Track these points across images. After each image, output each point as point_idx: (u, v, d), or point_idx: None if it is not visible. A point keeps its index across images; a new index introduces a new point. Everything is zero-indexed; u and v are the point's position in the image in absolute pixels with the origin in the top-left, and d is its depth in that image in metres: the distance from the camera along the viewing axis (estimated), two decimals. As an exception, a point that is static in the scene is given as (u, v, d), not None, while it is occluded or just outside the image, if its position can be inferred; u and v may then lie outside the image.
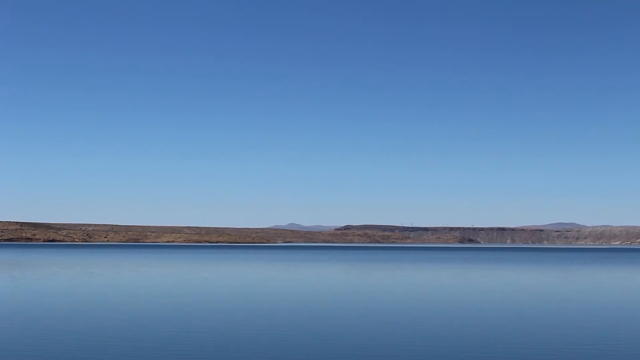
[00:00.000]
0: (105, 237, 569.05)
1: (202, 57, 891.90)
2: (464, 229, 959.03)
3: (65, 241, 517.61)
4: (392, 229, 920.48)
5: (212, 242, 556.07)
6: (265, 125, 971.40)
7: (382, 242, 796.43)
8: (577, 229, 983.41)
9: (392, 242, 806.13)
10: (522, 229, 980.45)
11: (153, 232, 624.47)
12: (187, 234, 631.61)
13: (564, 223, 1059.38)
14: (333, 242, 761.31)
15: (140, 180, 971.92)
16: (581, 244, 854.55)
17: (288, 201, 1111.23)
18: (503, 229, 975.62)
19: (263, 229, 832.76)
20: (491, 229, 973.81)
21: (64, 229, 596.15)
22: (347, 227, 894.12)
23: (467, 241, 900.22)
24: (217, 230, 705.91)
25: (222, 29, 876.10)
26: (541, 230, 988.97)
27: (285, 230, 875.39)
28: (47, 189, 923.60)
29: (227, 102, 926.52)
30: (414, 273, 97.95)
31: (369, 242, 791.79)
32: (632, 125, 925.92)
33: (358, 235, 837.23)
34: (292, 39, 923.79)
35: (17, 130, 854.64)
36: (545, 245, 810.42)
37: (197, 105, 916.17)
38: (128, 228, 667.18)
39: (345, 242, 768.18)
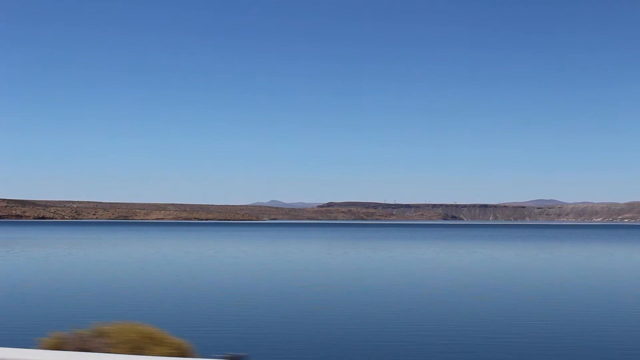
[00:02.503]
0: (93, 215, 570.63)
1: (188, 35, 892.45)
2: (446, 205, 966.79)
3: (55, 218, 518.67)
4: (375, 205, 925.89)
5: (201, 220, 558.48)
6: (247, 103, 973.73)
7: (366, 219, 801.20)
8: (559, 206, 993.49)
9: (376, 219, 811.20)
10: (505, 206, 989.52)
11: (141, 209, 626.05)
12: (174, 211, 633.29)
13: (544, 200, 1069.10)
14: (317, 219, 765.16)
15: (124, 157, 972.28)
16: (563, 221, 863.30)
17: (269, 178, 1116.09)
18: (485, 206, 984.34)
19: (247, 205, 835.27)
20: (474, 205, 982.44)
21: (51, 206, 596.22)
22: (329, 204, 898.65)
23: (450, 218, 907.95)
24: (201, 208, 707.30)
25: (205, 4, 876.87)
26: (523, 207, 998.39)
27: (270, 207, 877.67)
28: (31, 166, 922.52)
29: (210, 80, 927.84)
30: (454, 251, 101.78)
31: (353, 219, 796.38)
32: (614, 103, 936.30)
33: (342, 212, 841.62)
34: (276, 16, 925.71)
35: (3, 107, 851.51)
36: (528, 222, 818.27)
37: (185, 85, 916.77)
38: (114, 205, 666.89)
39: (330, 219, 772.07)
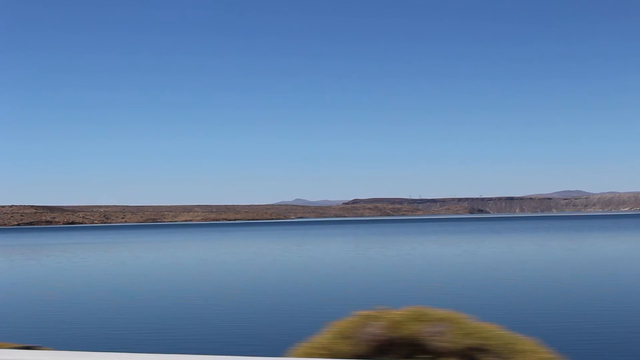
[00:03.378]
0: (122, 218, 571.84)
1: (210, 36, 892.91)
2: (472, 199, 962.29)
3: (85, 223, 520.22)
4: (400, 201, 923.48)
5: (230, 220, 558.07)
6: (270, 100, 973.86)
7: (392, 215, 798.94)
8: (585, 197, 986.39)
9: (403, 215, 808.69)
10: (531, 198, 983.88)
11: (168, 211, 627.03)
12: (202, 212, 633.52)
13: (570, 191, 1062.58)
14: (344, 216, 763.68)
15: (148, 161, 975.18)
16: (590, 211, 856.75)
17: (293, 177, 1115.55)
18: (512, 199, 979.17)
19: (273, 205, 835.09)
20: (499, 198, 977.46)
21: (78, 211, 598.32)
22: (355, 201, 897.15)
23: (476, 211, 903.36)
24: (227, 208, 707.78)
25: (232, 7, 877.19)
26: (549, 199, 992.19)
27: (295, 206, 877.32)
28: (55, 172, 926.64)
29: (235, 81, 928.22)
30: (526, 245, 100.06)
31: (380, 215, 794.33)
32: (638, 91, 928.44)
33: (368, 208, 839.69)
34: (300, 14, 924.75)
35: (29, 114, 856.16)
36: (555, 213, 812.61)
37: (209, 86, 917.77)
38: (140, 208, 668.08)
39: (356, 216, 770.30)
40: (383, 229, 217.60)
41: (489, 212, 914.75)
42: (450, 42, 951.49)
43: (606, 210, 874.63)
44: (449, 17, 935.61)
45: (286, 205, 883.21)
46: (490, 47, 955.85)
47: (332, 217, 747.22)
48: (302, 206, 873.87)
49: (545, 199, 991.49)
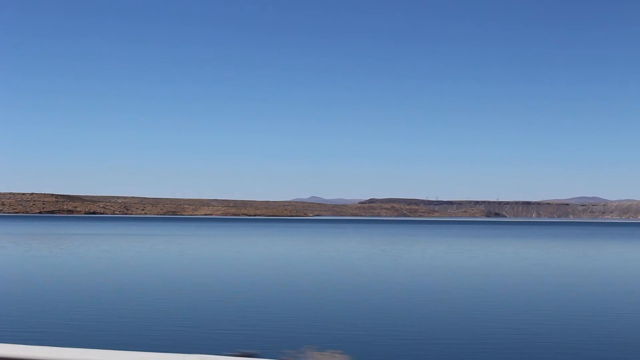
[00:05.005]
0: (142, 210, 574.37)
1: (234, 30, 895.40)
2: (489, 202, 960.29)
3: (105, 213, 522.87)
4: (416, 202, 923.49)
5: (249, 216, 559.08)
6: (285, 98, 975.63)
7: (409, 216, 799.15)
8: (602, 204, 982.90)
9: (420, 216, 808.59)
10: (548, 203, 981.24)
11: (187, 204, 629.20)
12: (222, 207, 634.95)
13: (587, 197, 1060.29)
14: (361, 215, 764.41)
15: (165, 153, 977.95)
16: (608, 218, 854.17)
17: (309, 174, 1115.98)
18: (528, 203, 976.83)
19: (289, 201, 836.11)
20: (516, 202, 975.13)
21: (97, 201, 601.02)
22: (371, 201, 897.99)
23: (493, 215, 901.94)
24: (244, 203, 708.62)
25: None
26: (567, 204, 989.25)
27: (312, 203, 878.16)
28: (74, 161, 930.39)
29: (252, 76, 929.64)
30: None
31: (396, 216, 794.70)
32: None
33: (385, 208, 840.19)
34: (315, 10, 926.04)
35: (52, 103, 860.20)
36: (572, 219, 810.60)
37: (227, 81, 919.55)
38: (158, 200, 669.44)
39: (373, 215, 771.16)
40: (427, 230, 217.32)
41: (506, 216, 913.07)
42: (472, 44, 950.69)
43: (624, 218, 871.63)
44: (468, 18, 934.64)
45: (303, 202, 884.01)
46: (512, 50, 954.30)
47: (348, 216, 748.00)
48: (319, 204, 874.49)
49: (562, 204, 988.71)
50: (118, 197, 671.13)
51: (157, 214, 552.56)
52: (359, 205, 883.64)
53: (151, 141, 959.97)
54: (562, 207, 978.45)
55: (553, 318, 31.40)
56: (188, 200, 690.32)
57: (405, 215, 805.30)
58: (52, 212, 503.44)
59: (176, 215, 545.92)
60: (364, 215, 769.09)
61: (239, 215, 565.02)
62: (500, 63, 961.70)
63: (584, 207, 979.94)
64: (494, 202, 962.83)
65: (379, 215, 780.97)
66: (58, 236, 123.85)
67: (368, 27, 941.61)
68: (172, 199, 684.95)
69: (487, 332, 27.48)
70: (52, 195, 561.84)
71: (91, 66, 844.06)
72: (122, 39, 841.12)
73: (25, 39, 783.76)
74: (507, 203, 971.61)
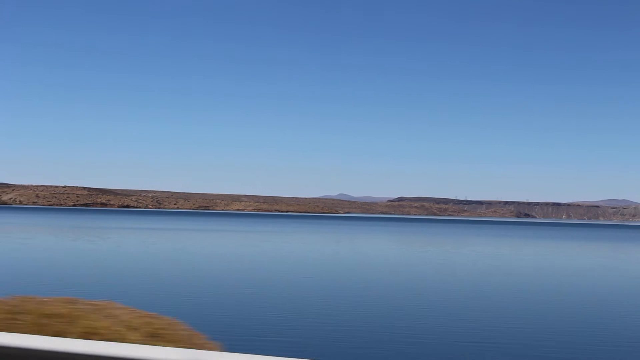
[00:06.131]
0: (174, 204, 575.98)
1: (261, 26, 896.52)
2: (518, 203, 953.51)
3: (139, 207, 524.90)
4: (445, 201, 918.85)
5: (282, 212, 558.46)
6: (315, 95, 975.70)
7: (439, 215, 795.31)
8: (634, 206, 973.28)
9: (450, 215, 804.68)
10: (578, 205, 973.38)
11: (219, 199, 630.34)
12: (253, 202, 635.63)
13: (617, 199, 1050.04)
14: (390, 214, 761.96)
15: (195, 147, 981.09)
16: (638, 221, 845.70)
17: (337, 171, 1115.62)
18: (558, 204, 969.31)
19: (319, 198, 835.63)
20: (546, 203, 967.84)
21: (130, 195, 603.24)
22: (400, 199, 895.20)
23: (522, 215, 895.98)
24: (274, 199, 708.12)
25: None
26: (597, 207, 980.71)
27: (341, 200, 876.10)
28: (105, 155, 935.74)
29: (281, 74, 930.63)
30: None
31: (426, 215, 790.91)
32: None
33: (415, 207, 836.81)
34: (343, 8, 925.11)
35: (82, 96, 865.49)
36: (602, 221, 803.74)
37: (259, 78, 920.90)
38: (189, 195, 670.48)
39: (403, 214, 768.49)
40: (474, 229, 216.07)
41: (536, 217, 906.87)
42: (508, 46, 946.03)
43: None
44: (501, 20, 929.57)
45: (332, 199, 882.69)
46: (543, 52, 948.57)
47: (378, 213, 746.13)
48: (348, 201, 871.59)
49: (592, 206, 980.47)
50: (148, 191, 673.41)
51: (190, 209, 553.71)
52: (388, 203, 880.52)
53: (172, 136, 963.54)
54: (592, 209, 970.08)
55: None
56: (219, 195, 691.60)
57: (435, 215, 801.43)
58: (86, 205, 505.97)
59: (209, 210, 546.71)
60: (394, 214, 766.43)
61: (271, 211, 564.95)
62: (532, 65, 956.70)
63: (614, 209, 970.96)
64: (523, 202, 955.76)
65: (408, 214, 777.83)
66: (175, 231, 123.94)
67: (402, 25, 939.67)
68: (203, 194, 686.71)
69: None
70: (84, 188, 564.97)
71: (131, 60, 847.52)
72: (155, 32, 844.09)
73: (55, 33, 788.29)
74: (537, 204, 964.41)
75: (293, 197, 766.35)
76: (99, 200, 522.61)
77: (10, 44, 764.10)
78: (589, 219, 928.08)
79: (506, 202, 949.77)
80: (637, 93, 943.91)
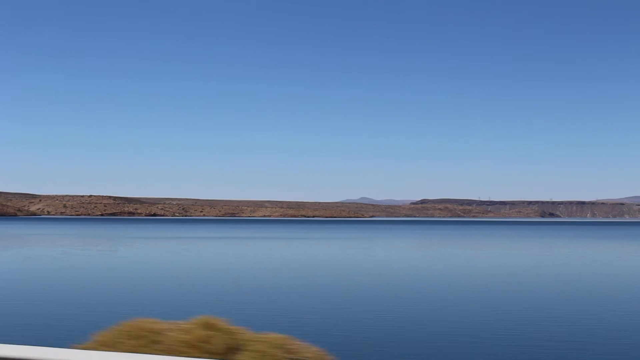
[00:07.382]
0: (201, 212, 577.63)
1: (277, 28, 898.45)
2: (542, 202, 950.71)
3: (166, 215, 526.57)
4: (469, 202, 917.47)
5: (308, 217, 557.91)
6: (338, 98, 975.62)
7: (463, 216, 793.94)
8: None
9: (474, 216, 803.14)
10: (602, 203, 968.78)
11: (246, 206, 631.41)
12: (279, 208, 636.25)
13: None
14: (414, 216, 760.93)
15: (216, 155, 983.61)
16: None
17: (359, 175, 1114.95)
18: (583, 203, 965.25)
19: (342, 202, 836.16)
20: (570, 202, 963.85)
21: (156, 203, 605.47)
22: (423, 201, 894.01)
23: (547, 215, 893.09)
24: (298, 205, 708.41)
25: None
26: (622, 204, 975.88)
27: (365, 204, 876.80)
28: (126, 164, 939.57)
29: (303, 78, 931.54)
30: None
31: (450, 216, 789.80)
32: None
33: (438, 209, 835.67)
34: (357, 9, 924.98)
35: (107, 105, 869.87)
36: (628, 219, 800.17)
37: (280, 82, 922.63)
38: (213, 202, 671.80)
39: (427, 216, 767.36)
40: (505, 230, 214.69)
41: (560, 216, 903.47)
42: (528, 44, 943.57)
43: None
44: (525, 19, 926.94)
45: (355, 203, 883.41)
46: (569, 49, 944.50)
47: (402, 216, 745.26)
48: (372, 205, 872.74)
49: (617, 204, 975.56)
50: (173, 199, 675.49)
51: (216, 216, 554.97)
52: (411, 205, 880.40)
53: (194, 143, 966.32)
54: (617, 207, 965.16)
55: None
56: (242, 201, 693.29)
57: (459, 216, 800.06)
58: (113, 214, 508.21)
59: (236, 217, 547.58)
60: (418, 216, 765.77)
61: (297, 216, 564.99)
62: (554, 63, 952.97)
63: (639, 206, 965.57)
64: (547, 202, 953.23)
65: (432, 216, 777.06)
66: (217, 240, 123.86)
67: (416, 25, 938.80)
68: (227, 201, 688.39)
69: None
70: (110, 197, 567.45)
71: (157, 68, 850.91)
72: (167, 36, 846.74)
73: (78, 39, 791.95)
74: (561, 203, 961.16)
75: (316, 202, 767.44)
76: (126, 209, 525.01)
77: (35, 53, 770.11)
78: (614, 216, 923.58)
79: (530, 202, 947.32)
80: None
